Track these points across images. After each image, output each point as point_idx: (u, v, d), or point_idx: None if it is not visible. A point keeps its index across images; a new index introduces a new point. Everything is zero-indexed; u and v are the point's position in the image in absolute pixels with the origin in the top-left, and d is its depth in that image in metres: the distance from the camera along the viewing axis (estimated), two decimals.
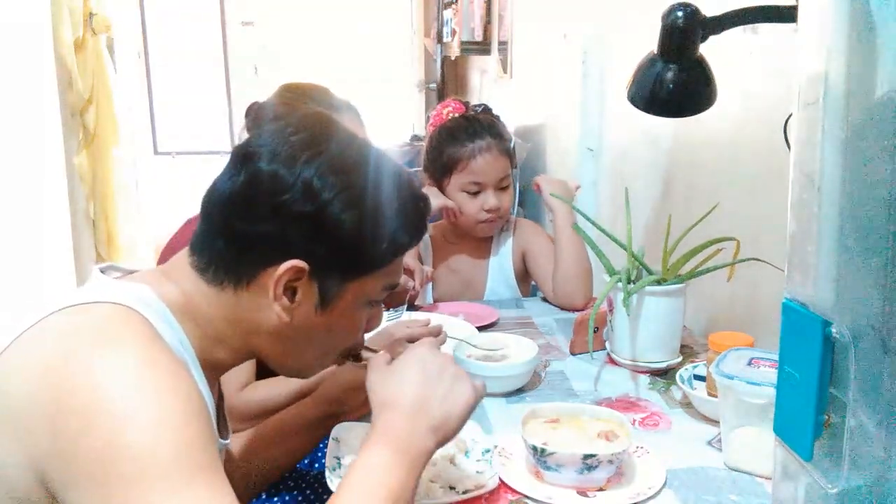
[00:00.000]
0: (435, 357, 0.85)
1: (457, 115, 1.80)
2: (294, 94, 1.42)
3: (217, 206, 0.82)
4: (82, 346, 0.70)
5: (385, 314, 1.56)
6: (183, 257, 0.84)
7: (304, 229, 0.79)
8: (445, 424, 0.80)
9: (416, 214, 0.87)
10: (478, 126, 1.76)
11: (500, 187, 1.74)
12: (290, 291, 0.80)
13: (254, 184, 0.80)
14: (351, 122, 1.38)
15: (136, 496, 0.63)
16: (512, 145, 1.81)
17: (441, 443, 0.81)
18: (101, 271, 0.82)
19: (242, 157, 0.82)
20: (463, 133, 1.73)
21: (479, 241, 1.83)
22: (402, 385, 0.81)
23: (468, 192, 1.73)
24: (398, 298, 1.66)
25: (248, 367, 1.25)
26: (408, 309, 1.61)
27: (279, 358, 0.87)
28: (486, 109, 1.79)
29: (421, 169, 1.86)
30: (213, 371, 0.86)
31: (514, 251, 1.82)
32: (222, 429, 0.92)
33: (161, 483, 0.64)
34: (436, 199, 1.76)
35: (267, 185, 0.79)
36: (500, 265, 1.83)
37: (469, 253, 1.84)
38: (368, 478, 0.74)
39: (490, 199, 1.72)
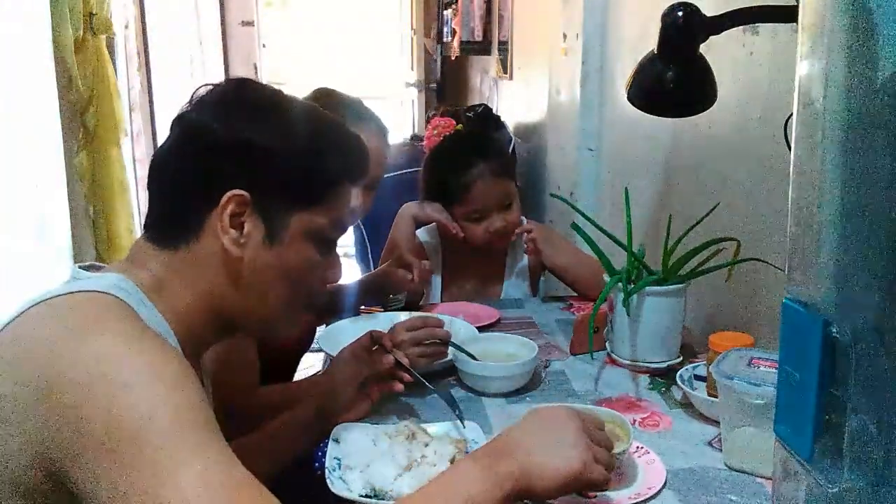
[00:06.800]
0: (567, 416, 0.84)
1: (449, 133, 1.75)
2: (327, 99, 1.42)
3: (157, 171, 0.86)
4: (69, 329, 0.71)
5: (383, 314, 1.56)
6: (142, 241, 0.86)
7: (239, 160, 0.83)
8: (536, 466, 0.79)
9: (352, 152, 0.92)
10: (471, 150, 1.73)
11: (504, 206, 1.71)
12: (240, 226, 0.83)
13: (186, 133, 0.85)
14: (372, 137, 1.38)
15: (146, 458, 0.64)
16: (512, 145, 1.79)
17: (525, 482, 0.78)
18: (82, 269, 0.83)
19: (176, 119, 0.86)
20: (457, 162, 1.69)
21: (495, 251, 1.81)
22: (524, 422, 0.84)
23: (472, 220, 1.71)
24: (397, 288, 1.65)
25: (252, 370, 1.26)
26: (409, 309, 1.61)
27: (245, 308, 0.87)
28: (486, 109, 1.78)
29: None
30: (194, 350, 0.86)
31: (530, 259, 1.80)
32: None
33: (169, 444, 0.65)
34: (436, 213, 1.75)
35: (196, 128, 0.84)
36: (516, 273, 1.82)
37: (484, 262, 1.82)
38: (444, 475, 0.80)
39: (495, 222, 1.70)
